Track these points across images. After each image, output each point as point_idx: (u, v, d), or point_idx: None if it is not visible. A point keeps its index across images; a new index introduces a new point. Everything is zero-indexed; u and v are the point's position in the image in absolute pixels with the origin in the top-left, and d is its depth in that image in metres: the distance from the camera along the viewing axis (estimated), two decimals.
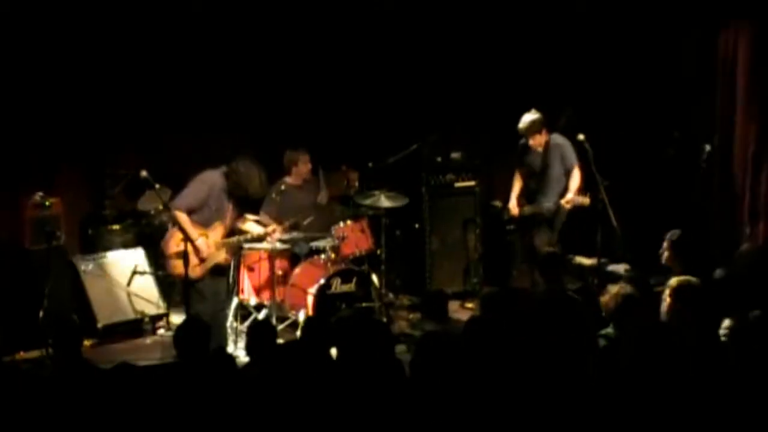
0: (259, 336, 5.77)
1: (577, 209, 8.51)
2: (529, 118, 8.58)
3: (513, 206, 8.84)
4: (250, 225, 7.82)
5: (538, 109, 8.73)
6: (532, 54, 9.97)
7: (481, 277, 9.49)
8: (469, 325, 5.35)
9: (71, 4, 8.49)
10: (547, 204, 8.61)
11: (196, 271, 7.35)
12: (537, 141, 8.64)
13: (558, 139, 8.67)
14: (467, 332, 5.22)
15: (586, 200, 8.34)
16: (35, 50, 8.45)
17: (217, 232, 7.47)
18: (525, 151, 8.80)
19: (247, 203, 7.83)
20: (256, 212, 8.41)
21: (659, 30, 9.55)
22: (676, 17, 9.36)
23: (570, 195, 8.48)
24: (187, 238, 7.20)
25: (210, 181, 7.41)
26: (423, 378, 4.83)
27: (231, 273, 8.19)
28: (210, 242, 7.40)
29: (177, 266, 7.32)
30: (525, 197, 8.84)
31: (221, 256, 7.51)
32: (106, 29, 8.69)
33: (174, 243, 7.38)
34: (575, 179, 8.56)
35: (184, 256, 7.14)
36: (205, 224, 7.42)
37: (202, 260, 7.34)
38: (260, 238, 7.88)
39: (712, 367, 4.94)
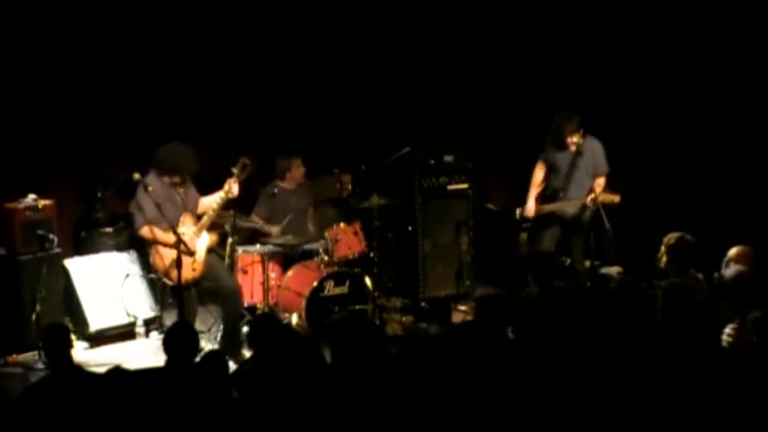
0: (261, 328, 5.75)
1: (606, 209, 8.28)
2: (570, 115, 8.45)
3: (531, 207, 8.66)
4: (206, 199, 7.73)
5: (531, 111, 8.71)
6: (525, 56, 9.98)
7: (474, 279, 9.48)
8: (463, 328, 5.35)
9: (64, 7, 8.47)
10: (570, 208, 8.51)
11: (198, 268, 7.36)
12: (575, 139, 8.41)
13: (594, 141, 8.52)
14: (461, 336, 5.23)
15: (616, 197, 8.21)
16: (27, 54, 8.42)
17: (188, 223, 7.46)
18: (553, 147, 8.62)
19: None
20: (247, 212, 8.45)
21: (650, 35, 9.58)
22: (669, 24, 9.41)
23: (595, 193, 8.31)
24: (181, 245, 7.17)
25: (148, 184, 7.34)
26: (413, 380, 4.83)
27: None
28: (189, 234, 7.38)
29: (172, 272, 7.30)
30: (544, 196, 8.69)
31: (208, 240, 7.51)
32: (99, 33, 8.67)
33: (159, 259, 7.39)
34: (601, 184, 8.42)
35: (177, 262, 7.13)
36: (174, 224, 7.35)
37: (192, 254, 7.33)
38: (226, 204, 7.72)
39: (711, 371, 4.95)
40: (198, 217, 7.56)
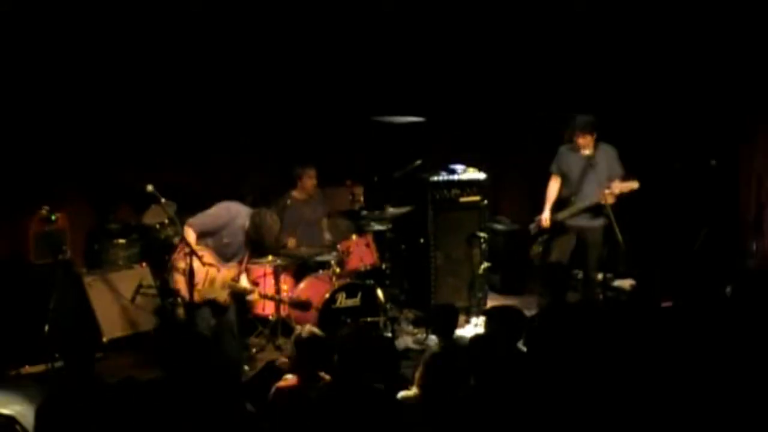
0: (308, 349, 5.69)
1: (624, 200, 8.20)
2: (584, 116, 8.40)
3: (546, 217, 8.55)
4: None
5: (545, 123, 8.70)
6: (539, 69, 9.99)
7: (486, 291, 9.47)
8: (474, 342, 5.35)
9: (74, 17, 8.52)
10: (584, 215, 8.38)
11: (200, 291, 7.03)
12: (587, 141, 8.35)
13: (608, 147, 8.45)
14: (472, 349, 5.22)
15: (633, 184, 8.07)
16: (39, 66, 8.47)
17: (231, 271, 7.23)
18: (566, 155, 8.54)
19: None
20: None
21: (666, 42, 9.57)
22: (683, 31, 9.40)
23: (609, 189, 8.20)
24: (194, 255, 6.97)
25: (234, 211, 7.18)
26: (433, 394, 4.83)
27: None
28: (219, 277, 7.14)
29: (179, 281, 7.09)
30: (557, 205, 8.60)
31: (222, 295, 7.20)
32: (112, 45, 8.72)
33: (179, 258, 7.24)
34: (617, 184, 8.24)
35: (190, 274, 6.91)
36: (218, 255, 7.16)
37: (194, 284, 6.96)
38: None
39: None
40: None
